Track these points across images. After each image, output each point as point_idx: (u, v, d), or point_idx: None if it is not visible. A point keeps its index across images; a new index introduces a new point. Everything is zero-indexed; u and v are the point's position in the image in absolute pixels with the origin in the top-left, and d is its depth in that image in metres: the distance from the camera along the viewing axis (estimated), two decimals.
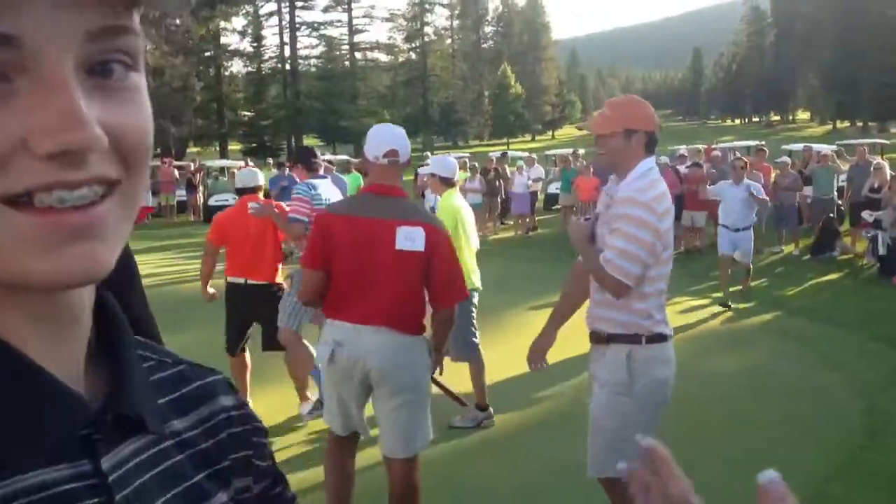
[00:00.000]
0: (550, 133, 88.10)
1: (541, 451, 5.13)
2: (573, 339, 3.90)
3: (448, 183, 5.61)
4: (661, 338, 3.12)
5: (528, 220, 18.52)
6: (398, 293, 3.39)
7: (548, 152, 27.31)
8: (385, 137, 3.52)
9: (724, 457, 4.95)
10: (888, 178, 12.53)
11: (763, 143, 25.50)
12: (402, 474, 3.52)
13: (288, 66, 63.86)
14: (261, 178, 5.93)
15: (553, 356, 3.53)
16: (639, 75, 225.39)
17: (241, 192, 5.84)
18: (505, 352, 6.31)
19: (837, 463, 4.89)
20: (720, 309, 9.77)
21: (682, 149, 20.14)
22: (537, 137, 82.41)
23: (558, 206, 19.80)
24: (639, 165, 3.07)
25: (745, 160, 11.15)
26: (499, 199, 18.86)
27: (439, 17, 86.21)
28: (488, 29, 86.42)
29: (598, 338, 3.20)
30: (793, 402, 6.00)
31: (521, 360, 3.58)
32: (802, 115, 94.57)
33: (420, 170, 17.77)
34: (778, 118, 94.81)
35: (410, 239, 3.35)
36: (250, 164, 21.95)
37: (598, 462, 3.13)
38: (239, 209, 5.63)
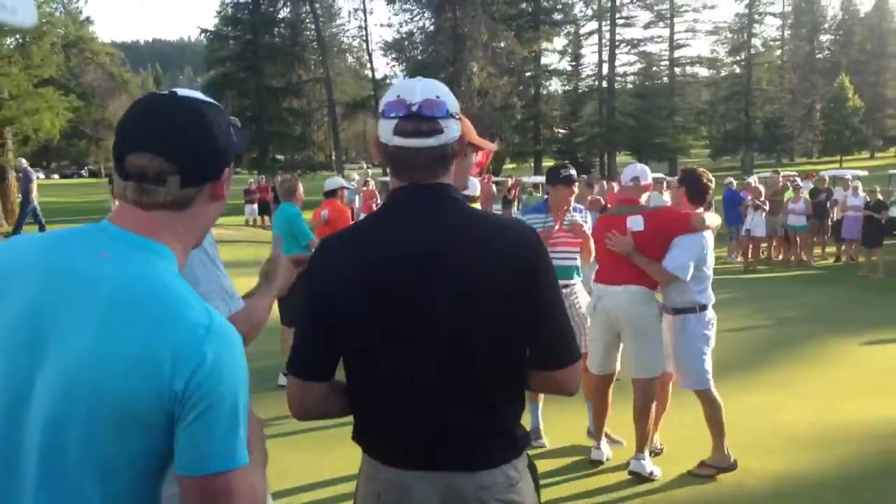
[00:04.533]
0: (893, 150, 79.09)
1: None
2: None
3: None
4: None
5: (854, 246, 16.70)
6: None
7: (892, 171, 24.53)
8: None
9: None
10: None
11: None
12: (640, 390, 4.93)
13: (605, 84, 64.11)
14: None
15: None
16: None
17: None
18: None
19: None
20: None
21: None
22: (877, 154, 74.37)
23: None
24: None
25: None
26: (829, 222, 17.34)
27: (769, 28, 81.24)
28: (824, 38, 79.73)
29: None
30: None
31: None
32: None
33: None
34: None
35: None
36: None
37: None
38: None
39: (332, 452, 5.17)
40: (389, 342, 1.80)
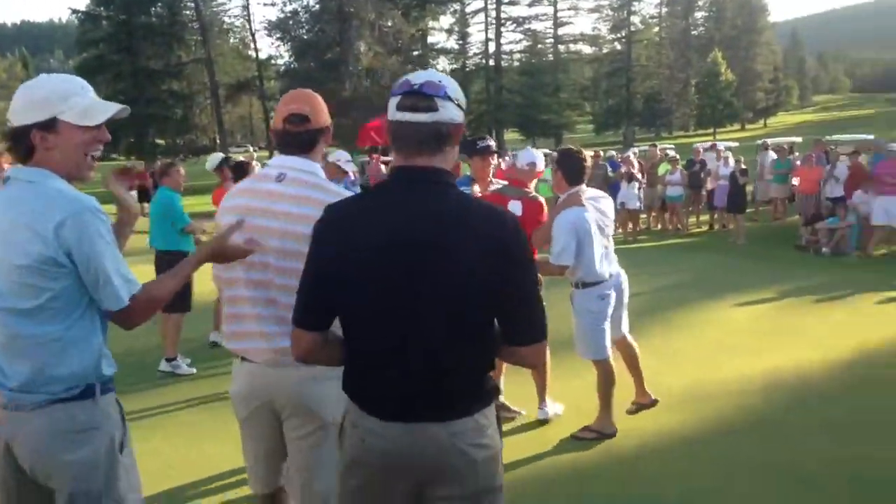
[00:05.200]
0: (762, 122, 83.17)
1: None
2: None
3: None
4: None
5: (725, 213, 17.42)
6: None
7: (758, 142, 25.83)
8: None
9: None
10: None
11: None
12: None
13: (492, 62, 64.76)
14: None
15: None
16: (867, 58, 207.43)
17: None
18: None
19: None
20: None
21: None
22: (747, 126, 78.07)
23: (771, 199, 18.73)
24: None
25: None
26: (703, 192, 18.16)
27: (647, 6, 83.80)
28: (698, 15, 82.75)
29: None
30: None
31: None
32: None
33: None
34: None
35: None
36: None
37: None
38: None
39: (209, 443, 5.14)
40: (376, 310, 2.06)
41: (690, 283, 11.32)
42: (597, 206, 5.17)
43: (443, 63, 63.93)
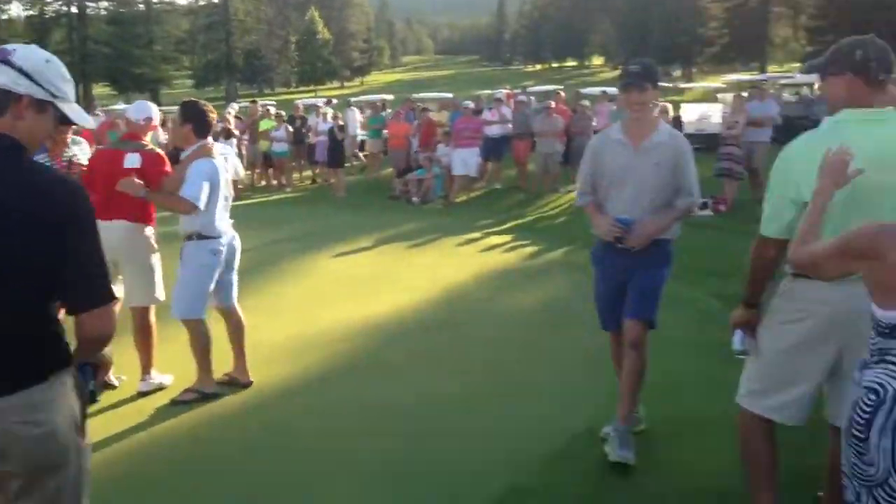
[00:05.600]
0: (359, 80, 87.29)
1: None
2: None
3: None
4: None
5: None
6: None
7: (353, 99, 27.05)
8: None
9: (523, 385, 5.27)
10: (670, 119, 13.51)
11: (562, 87, 26.65)
12: (138, 318, 5.24)
13: (74, 10, 59.00)
14: None
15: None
16: (445, 22, 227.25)
17: None
18: None
19: None
20: (517, 244, 10.27)
21: (495, 92, 20.53)
22: (346, 84, 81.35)
23: (366, 153, 19.77)
24: None
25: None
26: (306, 147, 18.56)
27: None
28: None
29: None
30: (590, 335, 6.36)
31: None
32: (597, 61, 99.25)
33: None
34: (575, 63, 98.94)
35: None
36: None
37: None
38: None
39: None
40: None
41: (294, 237, 11.55)
42: (223, 162, 5.19)
43: (17, 8, 56.83)
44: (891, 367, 1.99)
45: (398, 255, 10.00)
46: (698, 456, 4.08)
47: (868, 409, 1.97)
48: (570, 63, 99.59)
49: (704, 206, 11.89)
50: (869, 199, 2.61)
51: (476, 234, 11.17)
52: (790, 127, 17.75)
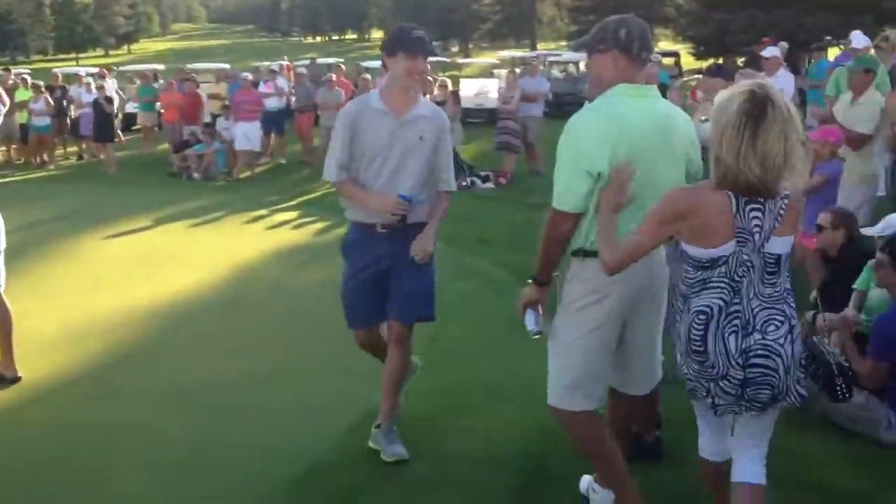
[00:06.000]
0: (126, 48, 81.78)
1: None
2: None
3: None
4: None
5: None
6: None
7: (123, 68, 25.37)
8: None
9: (318, 360, 5.27)
10: (449, 93, 13.86)
11: (342, 60, 26.56)
12: None
13: None
14: None
15: None
16: None
17: None
18: None
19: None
20: (305, 220, 10.18)
21: (271, 64, 19.99)
22: (111, 52, 75.90)
23: (138, 127, 18.62)
24: None
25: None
26: (68, 121, 17.20)
27: None
28: None
29: None
30: None
31: None
32: (377, 34, 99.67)
33: None
34: (356, 36, 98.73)
35: None
36: None
37: None
38: None
39: None
40: None
41: (62, 215, 10.73)
42: None
43: None
44: (712, 291, 2.50)
45: (181, 235, 9.57)
46: (490, 423, 4.24)
47: (700, 327, 2.49)
48: (351, 36, 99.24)
49: (486, 179, 12.42)
50: (653, 167, 2.80)
51: (263, 211, 10.92)
52: (560, 102, 19.12)
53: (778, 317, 2.51)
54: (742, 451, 2.71)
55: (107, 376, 5.09)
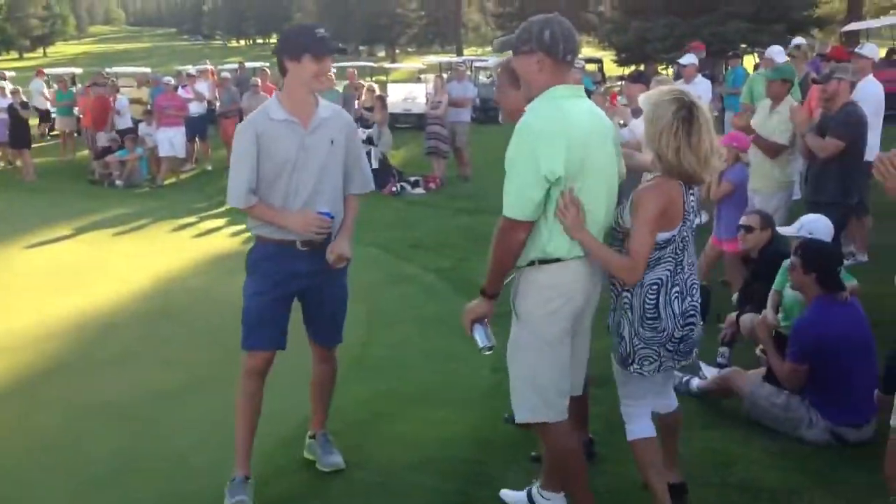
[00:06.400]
0: (42, 50, 79.08)
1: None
2: None
3: None
4: None
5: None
6: None
7: (48, 70, 24.46)
8: None
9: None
10: (376, 98, 13.83)
11: (267, 64, 26.21)
12: None
13: None
14: None
15: None
16: None
17: None
18: None
19: (347, 360, 5.41)
20: (233, 228, 10.03)
21: (192, 68, 19.58)
22: (25, 55, 73.31)
23: (56, 132, 18.04)
24: None
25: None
26: None
27: None
28: None
29: None
30: None
31: None
32: None
33: None
34: None
35: None
36: None
37: None
38: None
39: None
40: None
41: None
42: None
43: None
44: (663, 265, 2.89)
45: (105, 244, 9.32)
46: (424, 427, 4.26)
47: (653, 296, 2.88)
48: (275, 39, 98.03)
49: (416, 184, 12.45)
50: (600, 167, 2.84)
51: (190, 219, 10.73)
52: (486, 108, 19.27)
53: (697, 281, 3.03)
54: (647, 407, 3.13)
55: (30, 392, 4.94)
